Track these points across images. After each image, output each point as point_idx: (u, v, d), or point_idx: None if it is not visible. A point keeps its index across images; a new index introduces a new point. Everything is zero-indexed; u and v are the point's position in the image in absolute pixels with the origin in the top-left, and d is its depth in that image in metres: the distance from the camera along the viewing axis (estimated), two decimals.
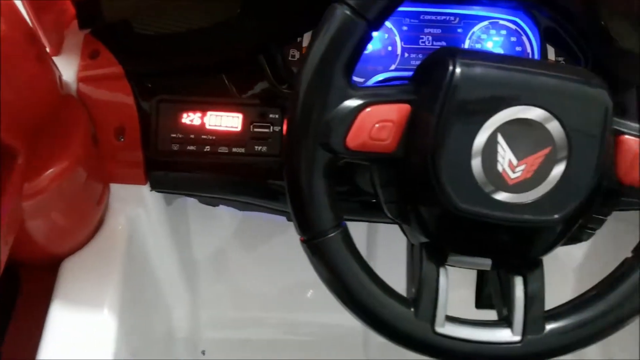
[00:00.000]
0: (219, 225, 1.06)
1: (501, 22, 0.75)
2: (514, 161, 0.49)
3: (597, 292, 0.55)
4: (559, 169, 0.50)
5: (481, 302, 1.14)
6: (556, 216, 0.50)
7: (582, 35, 0.73)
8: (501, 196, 0.50)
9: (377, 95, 0.50)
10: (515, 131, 0.49)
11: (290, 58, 0.73)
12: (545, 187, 0.50)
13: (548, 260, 1.18)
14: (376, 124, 0.49)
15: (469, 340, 0.52)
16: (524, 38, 0.76)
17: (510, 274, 0.54)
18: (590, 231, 0.56)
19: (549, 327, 0.53)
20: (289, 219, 0.75)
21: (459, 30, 0.75)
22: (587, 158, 0.50)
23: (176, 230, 0.97)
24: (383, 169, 0.53)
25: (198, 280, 1.08)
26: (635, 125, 0.52)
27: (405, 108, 0.50)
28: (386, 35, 0.74)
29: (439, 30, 0.75)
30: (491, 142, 0.49)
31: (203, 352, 1.08)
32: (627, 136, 0.52)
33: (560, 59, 0.76)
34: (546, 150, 0.50)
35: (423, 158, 0.50)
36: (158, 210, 0.87)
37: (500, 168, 0.49)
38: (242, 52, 0.73)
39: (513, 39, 0.76)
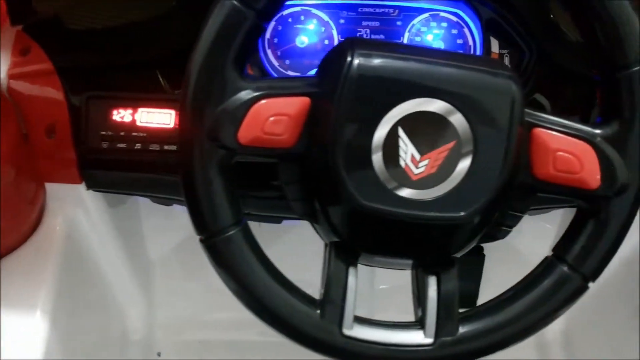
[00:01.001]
0: (174, 224, 1.04)
1: (442, 14, 0.73)
2: (417, 156, 0.47)
3: (513, 293, 0.52)
4: (464, 164, 0.48)
5: None
6: (462, 213, 0.48)
7: (527, 28, 0.71)
8: (405, 192, 0.48)
9: (273, 88, 0.48)
10: (417, 125, 0.47)
11: None
12: (451, 183, 0.48)
13: (511, 257, 1.17)
14: (270, 117, 0.47)
15: (378, 343, 0.50)
16: (466, 30, 0.74)
17: (425, 274, 0.52)
18: (506, 228, 0.54)
19: (463, 329, 0.51)
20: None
21: (398, 22, 0.73)
22: (494, 153, 0.48)
23: (127, 231, 0.95)
24: (286, 165, 0.51)
25: (153, 281, 1.06)
26: (550, 117, 0.50)
27: (304, 101, 0.48)
28: (323, 29, 0.72)
29: (377, 23, 0.73)
30: (392, 137, 0.47)
31: (159, 354, 1.06)
32: (540, 129, 0.49)
33: (504, 51, 0.74)
34: (450, 145, 0.47)
35: (323, 154, 0.47)
36: (100, 210, 0.85)
37: (402, 163, 0.47)
38: (177, 47, 0.71)
39: (454, 31, 0.74)
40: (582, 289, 0.52)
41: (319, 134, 0.48)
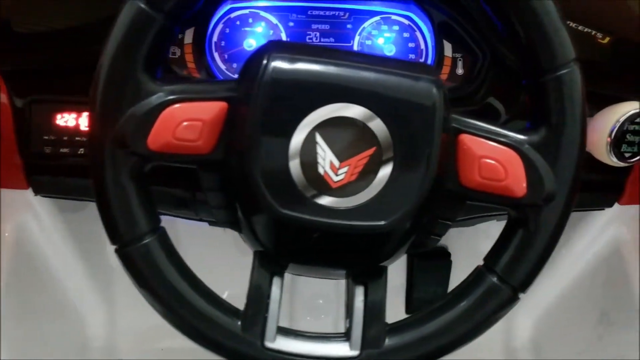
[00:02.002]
0: None
1: (393, 17, 0.72)
2: (336, 163, 0.46)
3: (443, 304, 0.51)
4: (385, 171, 0.46)
5: (411, 307, 1.11)
6: (383, 222, 0.46)
7: (480, 31, 0.70)
8: (325, 200, 0.46)
9: (188, 92, 0.46)
10: (335, 131, 0.45)
11: (170, 55, 0.70)
12: (372, 191, 0.46)
13: (478, 261, 1.16)
14: (183, 122, 0.45)
15: (301, 355, 0.48)
16: (418, 34, 0.72)
17: (354, 284, 0.51)
18: (436, 237, 0.52)
19: (390, 341, 0.49)
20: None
21: (349, 26, 0.71)
22: (416, 160, 0.46)
23: (84, 236, 0.93)
24: (205, 172, 0.49)
25: (115, 287, 1.05)
26: (476, 123, 0.49)
27: (221, 106, 0.46)
28: (271, 32, 0.71)
29: (327, 26, 0.71)
30: (309, 143, 0.45)
31: None
32: (466, 135, 0.48)
33: (457, 55, 0.72)
34: (370, 151, 0.46)
35: (240, 161, 0.46)
36: (53, 216, 0.84)
37: (321, 170, 0.46)
38: None
39: (406, 34, 0.72)
40: (511, 301, 0.50)
41: (236, 140, 0.46)
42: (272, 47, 0.47)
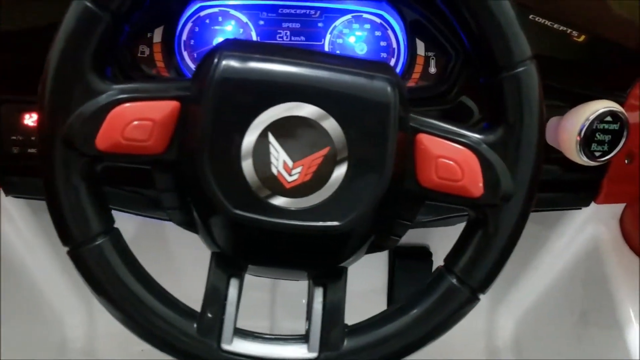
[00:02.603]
0: None
1: (365, 15, 0.71)
2: (290, 163, 0.45)
3: (403, 305, 0.50)
4: (340, 172, 0.45)
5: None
6: (339, 223, 0.46)
7: (452, 30, 0.69)
8: (279, 201, 0.46)
9: (138, 91, 0.46)
10: (288, 130, 0.45)
11: (139, 54, 0.69)
12: (327, 191, 0.45)
13: None
14: (134, 122, 0.45)
15: (258, 358, 0.48)
16: (390, 32, 0.72)
17: (314, 285, 0.50)
18: (395, 237, 0.52)
19: (348, 343, 0.48)
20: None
21: (320, 24, 0.71)
22: (371, 159, 0.45)
23: None
24: (158, 173, 0.48)
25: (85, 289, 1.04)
26: (435, 122, 0.48)
27: (173, 105, 0.46)
28: (241, 30, 0.70)
29: (298, 25, 0.71)
30: (262, 143, 0.45)
31: None
32: (424, 135, 0.47)
33: (430, 53, 0.72)
34: (324, 151, 0.45)
35: (193, 161, 0.45)
36: (26, 217, 0.83)
37: (274, 171, 0.45)
38: None
39: (378, 33, 0.72)
40: (470, 302, 0.50)
41: (188, 141, 0.46)
42: (225, 46, 0.46)
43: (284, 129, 0.45)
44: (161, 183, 0.49)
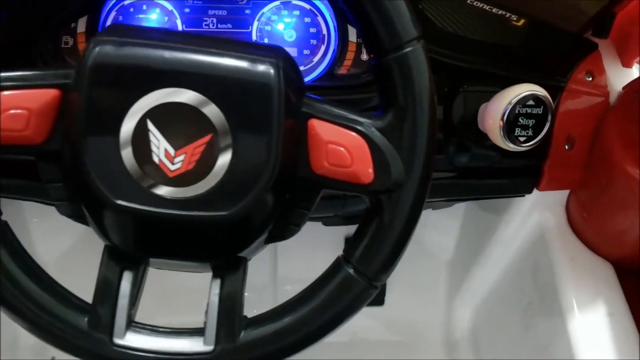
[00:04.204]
0: (67, 224, 1.01)
1: (294, 1, 0.70)
2: (171, 151, 0.44)
3: (302, 296, 0.49)
4: (224, 159, 0.44)
5: None
6: (226, 212, 0.44)
7: None
8: (162, 191, 0.44)
9: (15, 80, 0.44)
10: (168, 117, 0.43)
11: (63, 45, 0.68)
12: (213, 180, 0.44)
13: (419, 254, 1.15)
14: (9, 111, 0.43)
15: (152, 351, 0.46)
16: (319, 19, 0.70)
17: (212, 277, 0.49)
18: (294, 227, 0.50)
19: (245, 335, 0.47)
20: None
21: (247, 11, 0.69)
22: (256, 146, 0.44)
23: None
24: (42, 164, 0.47)
25: None
26: (328, 107, 0.46)
27: (52, 94, 0.44)
28: (166, 18, 0.69)
29: (224, 12, 0.69)
30: (141, 130, 0.43)
31: (53, 358, 1.03)
32: (315, 120, 0.46)
33: (362, 40, 0.70)
34: (206, 138, 0.44)
35: (73, 151, 0.44)
36: None
37: (156, 159, 0.44)
38: (13, 42, 0.68)
39: (307, 19, 0.70)
40: (367, 292, 0.49)
41: (69, 130, 0.44)
42: (104, 31, 0.45)
43: (163, 116, 0.43)
44: (45, 174, 0.47)
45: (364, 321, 1.10)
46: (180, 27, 0.69)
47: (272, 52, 0.46)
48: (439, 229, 1.08)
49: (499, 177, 0.77)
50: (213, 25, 0.69)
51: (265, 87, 0.44)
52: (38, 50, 0.66)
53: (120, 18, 0.68)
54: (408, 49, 0.45)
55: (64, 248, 1.05)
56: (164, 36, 0.46)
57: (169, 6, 0.68)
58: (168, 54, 0.43)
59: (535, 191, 0.80)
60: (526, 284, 0.88)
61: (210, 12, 0.69)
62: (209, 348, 0.47)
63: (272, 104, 0.43)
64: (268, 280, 1.09)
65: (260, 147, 0.44)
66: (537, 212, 0.84)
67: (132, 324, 0.48)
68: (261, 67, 0.44)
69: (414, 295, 1.11)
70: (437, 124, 0.47)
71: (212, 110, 0.43)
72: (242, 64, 0.44)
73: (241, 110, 0.43)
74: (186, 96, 0.43)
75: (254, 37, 0.70)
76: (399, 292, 1.11)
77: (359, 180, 0.46)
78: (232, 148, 0.44)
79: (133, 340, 0.47)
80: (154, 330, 0.48)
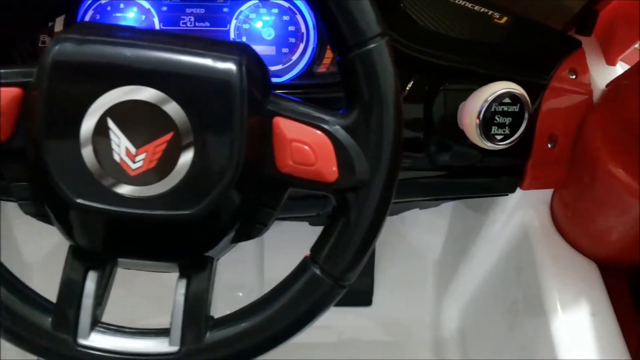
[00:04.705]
0: (50, 226, 1.01)
1: (272, 0, 0.69)
2: (132, 149, 0.43)
3: (269, 296, 0.48)
4: (186, 158, 0.43)
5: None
6: (188, 211, 0.44)
7: None
8: (124, 190, 0.44)
9: None
10: (129, 115, 0.43)
11: (40, 44, 0.67)
12: (175, 178, 0.44)
13: (407, 253, 1.14)
14: None
15: (116, 352, 0.46)
16: (298, 17, 0.70)
17: (178, 277, 0.48)
18: (261, 226, 0.50)
19: (211, 336, 0.47)
20: None
21: (225, 9, 0.69)
22: (219, 145, 0.43)
23: None
24: (5, 163, 0.47)
25: (31, 284, 1.02)
26: (293, 105, 0.46)
27: (14, 92, 0.44)
28: (143, 17, 0.68)
29: (202, 10, 0.69)
30: (101, 128, 0.43)
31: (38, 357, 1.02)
32: (280, 118, 0.45)
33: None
34: (167, 137, 0.43)
35: (35, 149, 0.44)
36: None
37: (117, 158, 0.43)
38: None
39: (286, 17, 0.70)
40: (334, 292, 0.48)
41: (31, 128, 0.44)
42: (67, 29, 0.44)
43: (124, 113, 0.43)
44: (9, 173, 0.47)
45: (352, 321, 1.10)
46: (157, 26, 0.68)
47: (237, 49, 0.45)
48: (426, 228, 1.07)
49: (482, 176, 0.76)
50: (191, 24, 0.69)
51: (226, 85, 0.43)
52: (16, 49, 0.66)
53: (98, 17, 0.68)
54: (372, 46, 0.45)
55: (49, 248, 1.04)
56: (127, 34, 0.45)
57: (147, 4, 0.68)
58: (129, 52, 0.43)
59: (519, 190, 0.79)
60: (511, 284, 0.88)
61: (188, 10, 0.69)
62: (175, 349, 0.46)
63: (234, 101, 0.43)
64: (255, 280, 1.09)
65: (223, 145, 0.43)
66: (521, 211, 0.83)
67: (97, 324, 0.47)
68: (223, 65, 0.43)
69: (402, 295, 1.11)
70: (403, 121, 0.46)
71: (173, 108, 0.43)
72: (204, 61, 0.43)
73: (203, 108, 0.43)
74: (147, 94, 0.43)
75: (232, 36, 0.69)
76: (386, 292, 1.10)
77: (323, 179, 0.45)
78: (194, 146, 0.43)
79: (97, 340, 0.46)
80: (120, 330, 0.48)
